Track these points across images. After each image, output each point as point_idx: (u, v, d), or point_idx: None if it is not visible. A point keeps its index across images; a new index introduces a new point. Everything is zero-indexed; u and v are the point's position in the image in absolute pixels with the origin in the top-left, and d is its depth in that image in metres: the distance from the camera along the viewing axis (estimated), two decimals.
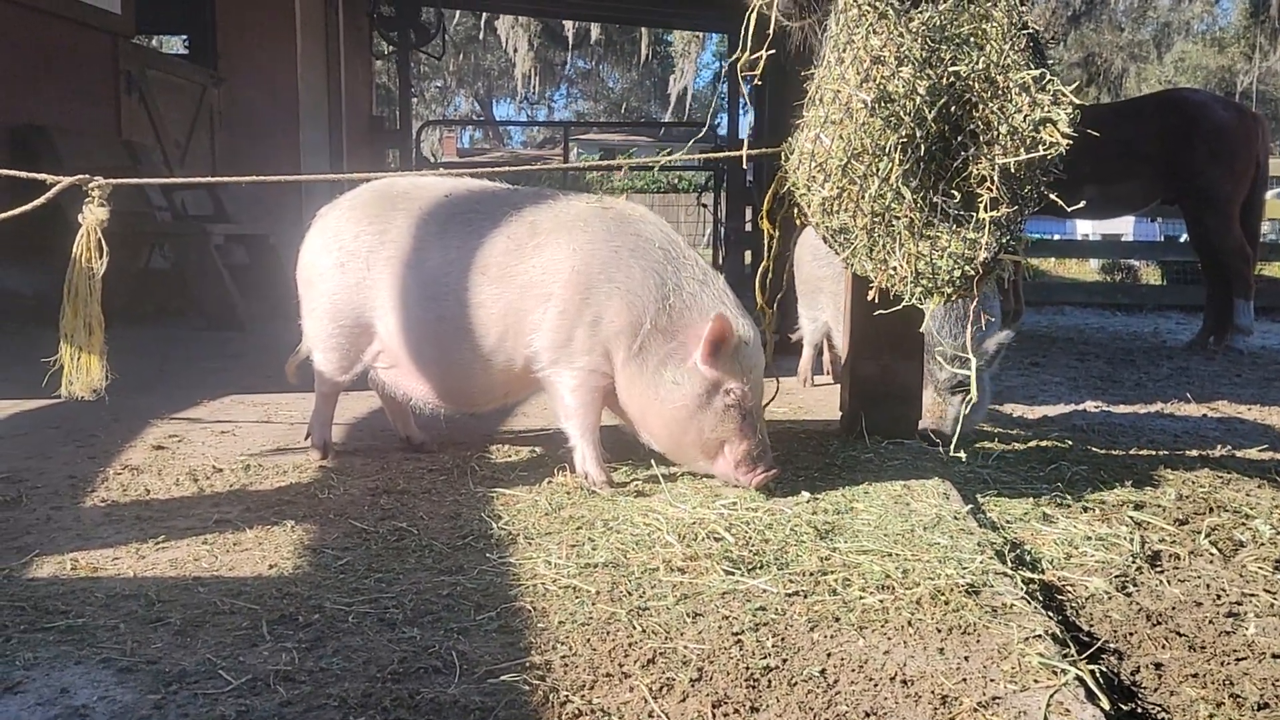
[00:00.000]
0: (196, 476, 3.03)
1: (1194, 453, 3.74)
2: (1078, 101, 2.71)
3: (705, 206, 13.70)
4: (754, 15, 2.92)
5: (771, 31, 2.96)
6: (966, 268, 2.66)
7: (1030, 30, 2.80)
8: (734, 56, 3.05)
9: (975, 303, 3.14)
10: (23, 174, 2.89)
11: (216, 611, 2.06)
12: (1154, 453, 3.71)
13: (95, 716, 1.66)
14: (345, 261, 3.10)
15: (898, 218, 2.65)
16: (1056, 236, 15.63)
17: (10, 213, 2.87)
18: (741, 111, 13.06)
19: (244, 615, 2.04)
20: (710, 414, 2.81)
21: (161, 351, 5.63)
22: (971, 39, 2.74)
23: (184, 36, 12.40)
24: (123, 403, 3.69)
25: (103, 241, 2.77)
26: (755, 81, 3.01)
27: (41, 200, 2.79)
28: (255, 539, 2.50)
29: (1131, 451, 3.70)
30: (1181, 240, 11.78)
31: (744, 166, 10.53)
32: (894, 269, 2.70)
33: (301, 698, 1.72)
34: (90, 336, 2.82)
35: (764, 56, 2.94)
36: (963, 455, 2.95)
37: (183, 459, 3.25)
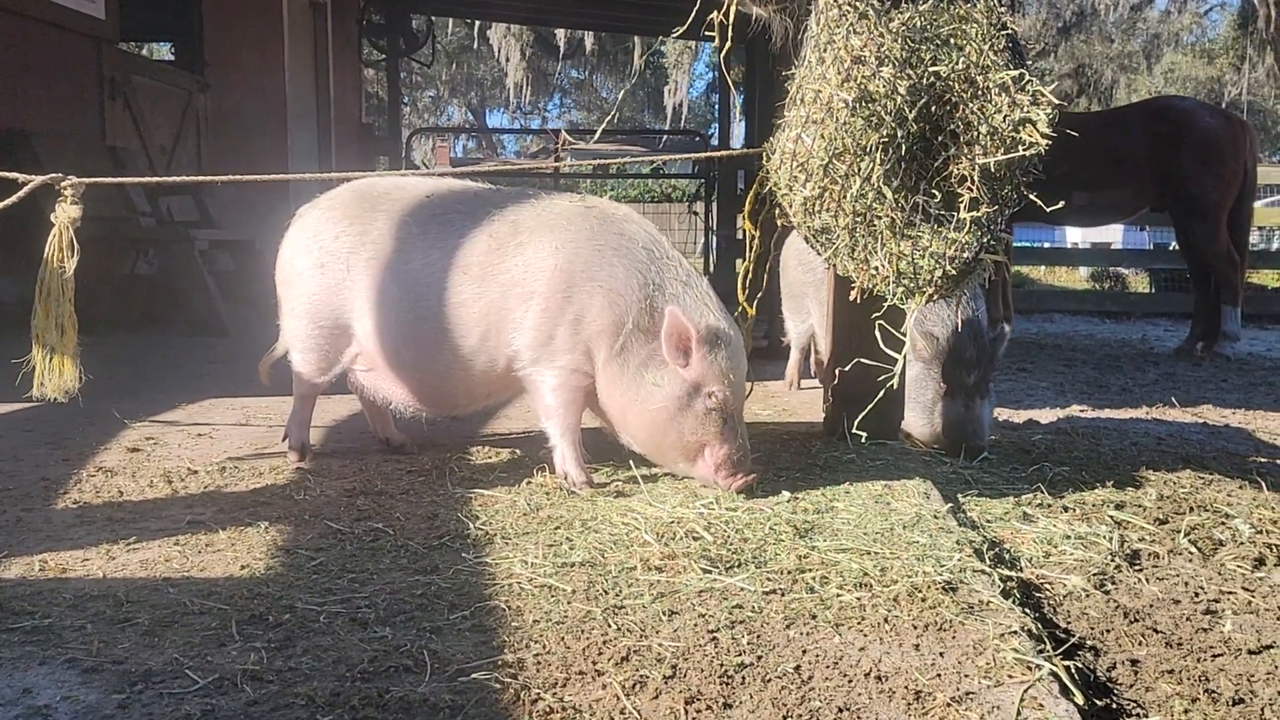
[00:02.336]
0: (171, 478, 3.00)
1: (1177, 455, 3.72)
2: (1056, 101, 2.71)
3: (697, 214, 13.69)
4: (731, 7, 2.92)
5: (731, 15, 2.97)
6: (948, 267, 2.65)
7: (1010, 31, 2.80)
8: (720, 52, 3.05)
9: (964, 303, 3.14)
10: None
11: (186, 612, 2.04)
12: (1137, 455, 3.70)
13: (58, 716, 1.64)
14: (325, 262, 3.08)
15: (879, 217, 2.64)
16: (1046, 244, 15.66)
17: None
18: (733, 120, 13.08)
19: (214, 615, 2.02)
20: (691, 416, 2.79)
21: (143, 358, 5.60)
22: (951, 40, 2.74)
23: (170, 43, 12.39)
24: (99, 406, 3.67)
25: (75, 240, 2.74)
26: (721, 46, 3.01)
27: (13, 199, 2.76)
28: (228, 540, 2.48)
29: (1115, 453, 3.69)
30: (1170, 248, 11.81)
31: (717, 169, 10.57)
32: (876, 268, 2.70)
33: (269, 697, 1.70)
34: (63, 337, 2.79)
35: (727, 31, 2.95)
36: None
37: (158, 461, 3.22)
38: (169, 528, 2.57)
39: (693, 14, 3.05)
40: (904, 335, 3.36)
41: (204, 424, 3.78)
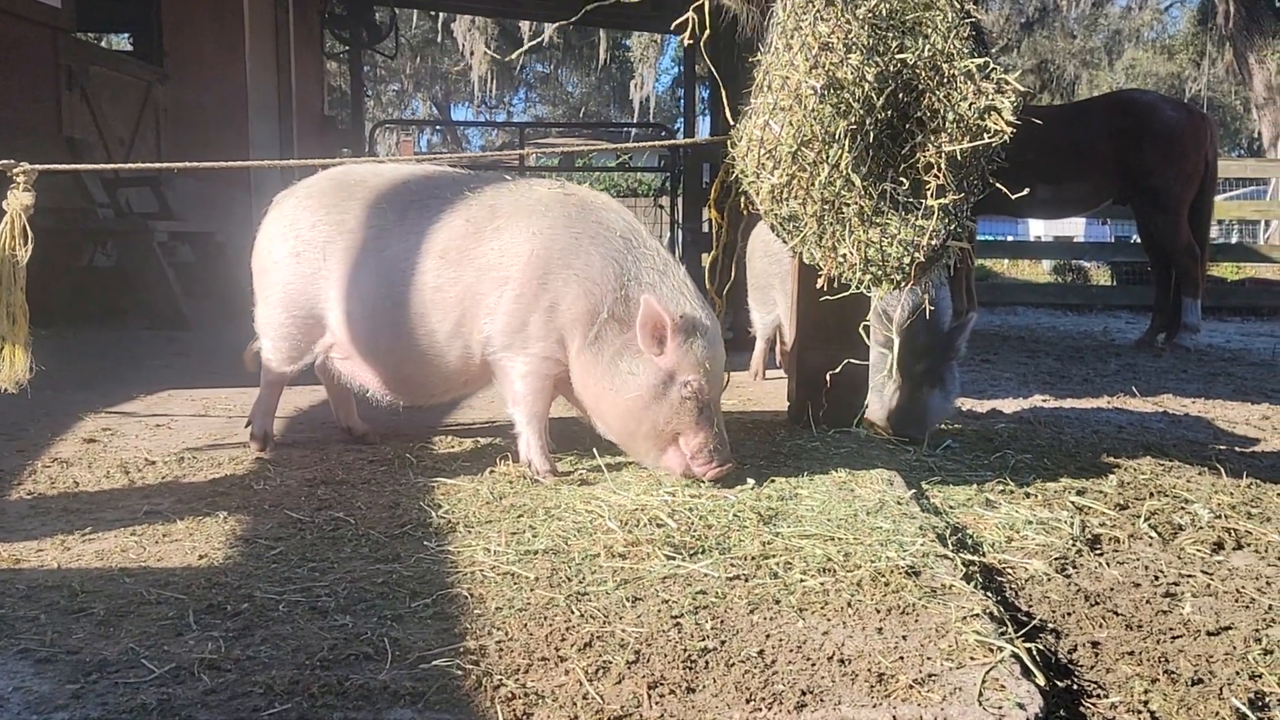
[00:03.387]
0: (128, 469, 2.96)
1: (1137, 443, 3.76)
2: (1021, 89, 2.72)
3: (662, 208, 13.68)
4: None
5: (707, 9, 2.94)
6: (916, 254, 2.65)
7: (974, 20, 2.80)
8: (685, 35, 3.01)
9: (925, 290, 3.14)
10: None
11: (142, 602, 2.00)
12: (1098, 443, 3.73)
13: (10, 707, 1.60)
14: (301, 251, 3.05)
15: (847, 205, 2.64)
16: (1010, 238, 15.80)
17: None
18: (699, 114, 13.10)
19: (171, 605, 1.99)
20: (665, 405, 2.77)
21: (101, 350, 5.53)
22: (917, 27, 2.73)
23: (128, 34, 12.22)
24: (56, 398, 3.62)
25: (28, 229, 2.69)
26: (688, 37, 2.98)
27: None
28: (186, 530, 2.45)
29: (1077, 442, 3.72)
30: (1132, 241, 11.94)
31: (688, 152, 10.56)
32: (843, 256, 2.69)
33: (226, 685, 1.67)
34: (14, 326, 2.74)
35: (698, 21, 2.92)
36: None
37: (115, 452, 3.18)
38: (126, 518, 2.53)
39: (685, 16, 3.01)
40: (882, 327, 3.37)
41: (162, 415, 3.73)
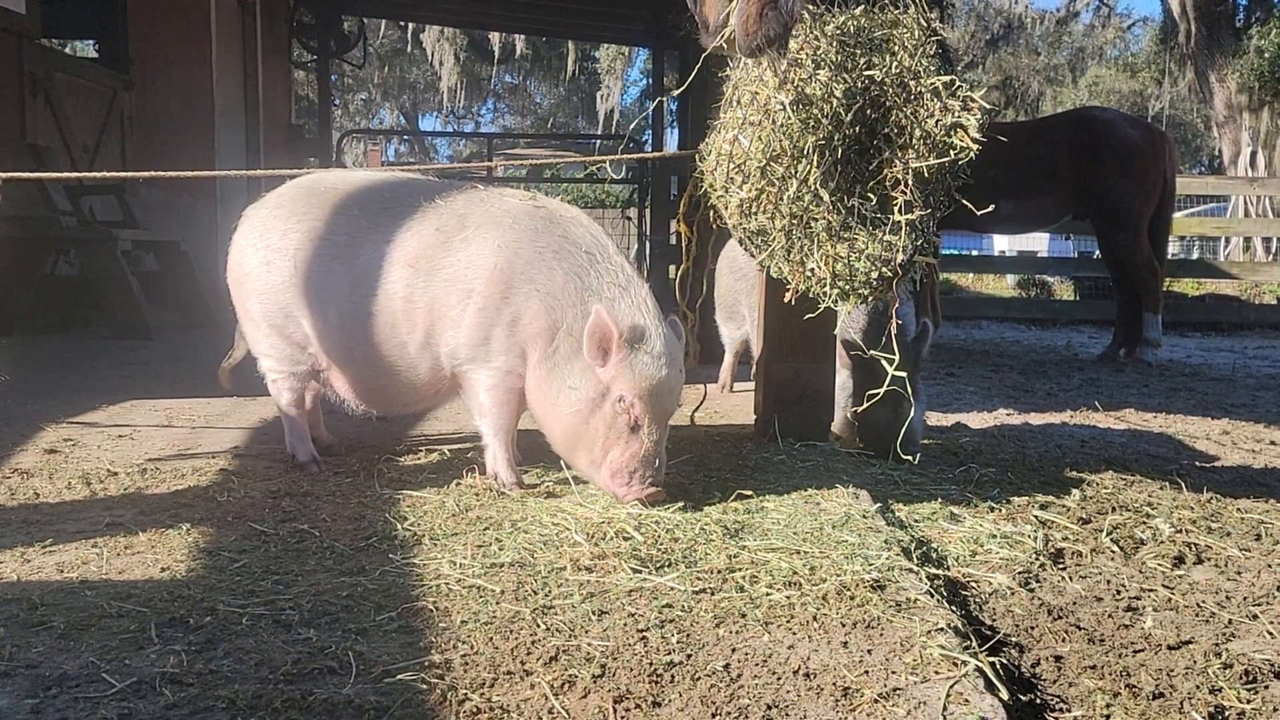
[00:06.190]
0: (90, 480, 2.93)
1: (1100, 457, 3.79)
2: (987, 106, 2.74)
3: (630, 220, 13.71)
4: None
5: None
6: (884, 269, 2.67)
7: (939, 37, 2.83)
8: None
9: (894, 305, 3.16)
10: None
11: (103, 615, 1.98)
12: (1061, 457, 3.77)
13: None
14: (272, 259, 3.02)
15: (816, 219, 2.65)
16: (974, 253, 15.94)
17: None
18: (669, 128, 13.14)
19: (132, 618, 1.97)
20: (599, 419, 2.71)
21: (63, 359, 5.47)
22: (884, 44, 2.76)
23: (93, 41, 12.12)
24: (16, 408, 3.57)
25: None
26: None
27: None
28: (148, 542, 2.42)
29: (1040, 456, 3.75)
30: (1094, 257, 12.07)
31: (655, 165, 10.58)
32: (812, 271, 2.70)
33: (188, 700, 1.65)
34: None
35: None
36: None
37: (76, 462, 3.14)
38: (87, 530, 2.50)
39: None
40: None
41: (125, 425, 3.70)
